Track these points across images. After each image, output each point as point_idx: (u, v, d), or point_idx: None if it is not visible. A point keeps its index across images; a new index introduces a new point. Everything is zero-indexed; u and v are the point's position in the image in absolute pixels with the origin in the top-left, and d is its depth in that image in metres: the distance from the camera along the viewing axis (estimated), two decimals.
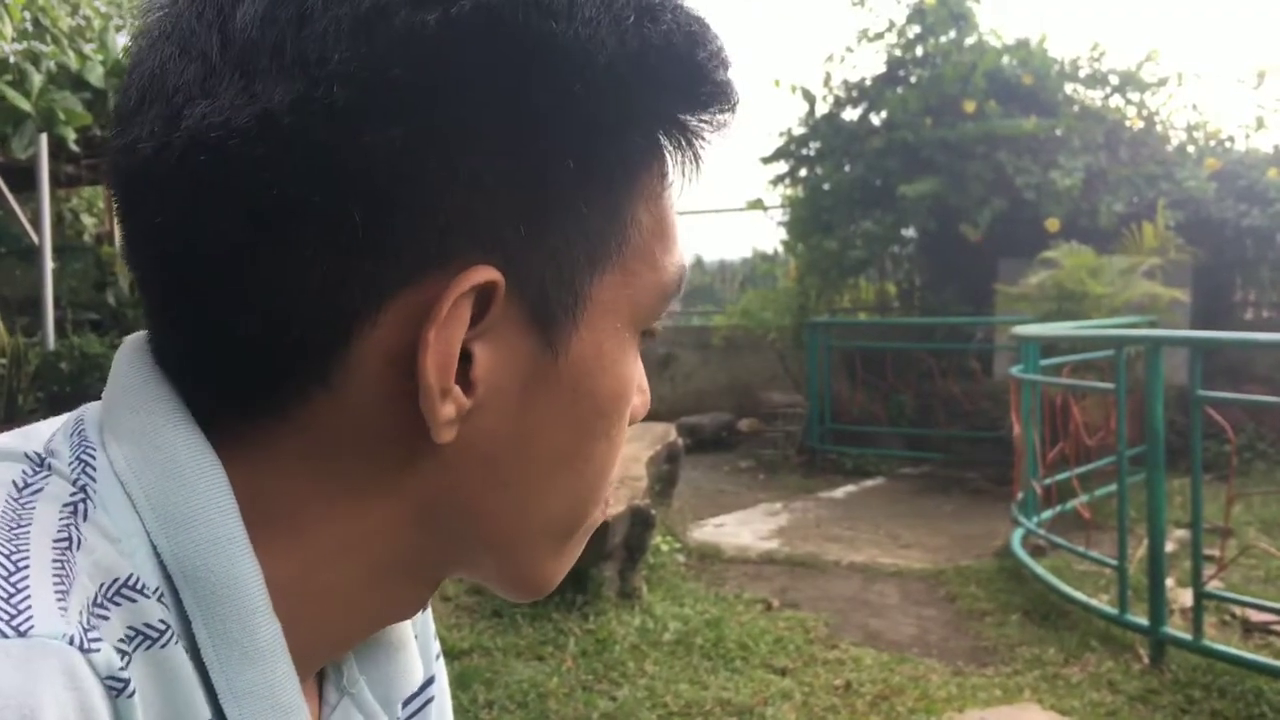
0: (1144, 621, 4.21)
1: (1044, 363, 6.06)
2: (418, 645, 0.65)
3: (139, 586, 0.45)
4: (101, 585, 0.44)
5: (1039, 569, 5.16)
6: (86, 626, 0.41)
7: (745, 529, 6.89)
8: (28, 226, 7.77)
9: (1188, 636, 4.03)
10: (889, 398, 9.41)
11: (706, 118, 0.53)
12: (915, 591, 5.39)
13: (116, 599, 0.44)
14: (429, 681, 0.70)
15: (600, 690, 3.86)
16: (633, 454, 5.97)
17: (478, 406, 0.49)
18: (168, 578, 0.46)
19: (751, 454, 9.54)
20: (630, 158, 0.50)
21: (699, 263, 15.10)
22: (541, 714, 3.62)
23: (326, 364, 0.47)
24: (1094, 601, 4.62)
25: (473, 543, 0.52)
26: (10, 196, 7.65)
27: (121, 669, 0.42)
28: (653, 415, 8.49)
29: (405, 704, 0.64)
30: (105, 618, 0.43)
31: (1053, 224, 8.53)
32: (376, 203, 0.45)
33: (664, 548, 5.48)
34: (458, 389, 0.47)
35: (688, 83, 0.50)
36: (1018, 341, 6.15)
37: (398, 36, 0.44)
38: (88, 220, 10.99)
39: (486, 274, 0.46)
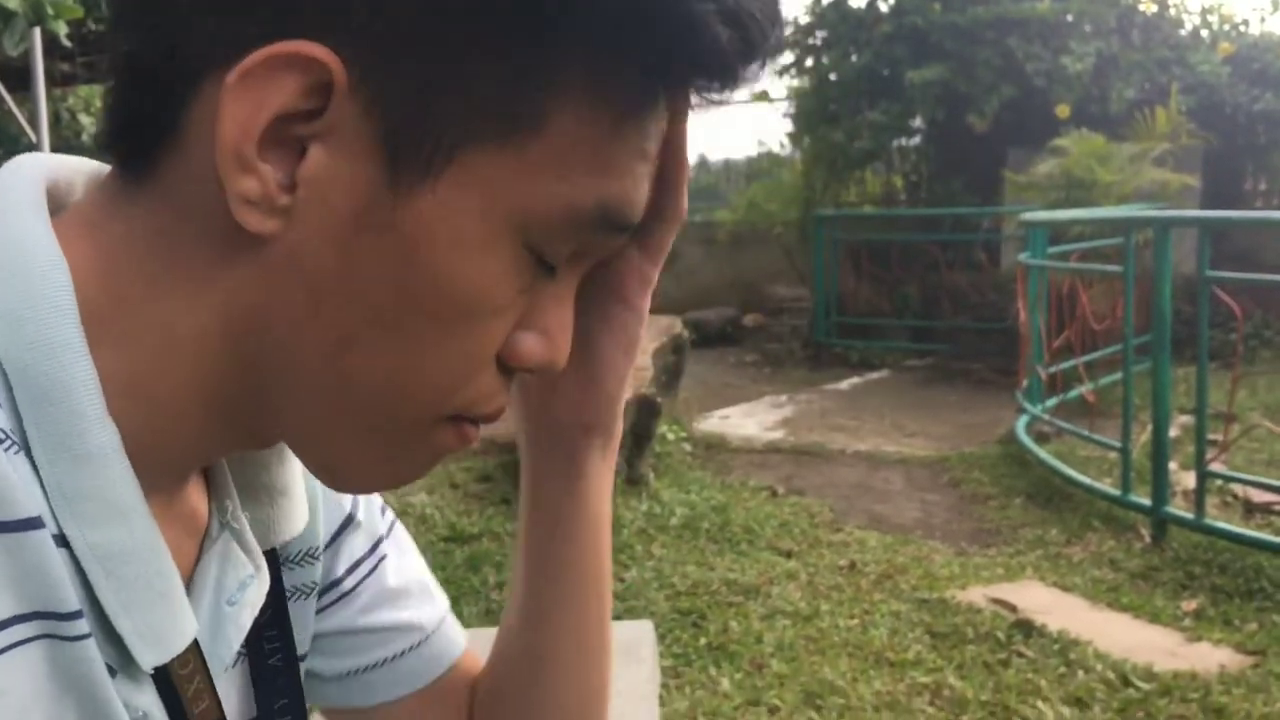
0: (1146, 502, 4.25)
1: (1052, 250, 6.02)
2: (318, 496, 0.65)
3: None
4: None
5: (1043, 454, 5.19)
6: None
7: (750, 420, 6.93)
8: (25, 126, 7.68)
9: (1189, 515, 4.07)
10: (895, 290, 9.39)
11: (697, 79, 0.50)
12: (919, 477, 5.44)
13: None
14: (378, 541, 0.71)
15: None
16: (639, 346, 5.97)
17: (299, 213, 0.46)
18: (4, 375, 0.45)
19: (757, 348, 9.56)
20: (562, 54, 0.47)
21: (703, 162, 14.94)
22: None
23: (176, 115, 0.47)
24: (1097, 484, 4.66)
25: (280, 391, 0.50)
26: (7, 96, 7.55)
27: None
28: (658, 310, 8.44)
29: (306, 553, 0.64)
30: None
31: (1063, 110, 8.40)
32: None
33: (670, 436, 5.52)
34: (268, 171, 0.45)
35: (669, 34, 0.46)
36: (1025, 229, 6.10)
37: None
38: (85, 120, 10.87)
39: (316, 50, 0.44)
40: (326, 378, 0.49)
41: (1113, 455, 4.90)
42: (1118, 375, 5.11)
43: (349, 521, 0.69)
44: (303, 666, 0.65)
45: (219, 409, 0.51)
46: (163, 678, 0.51)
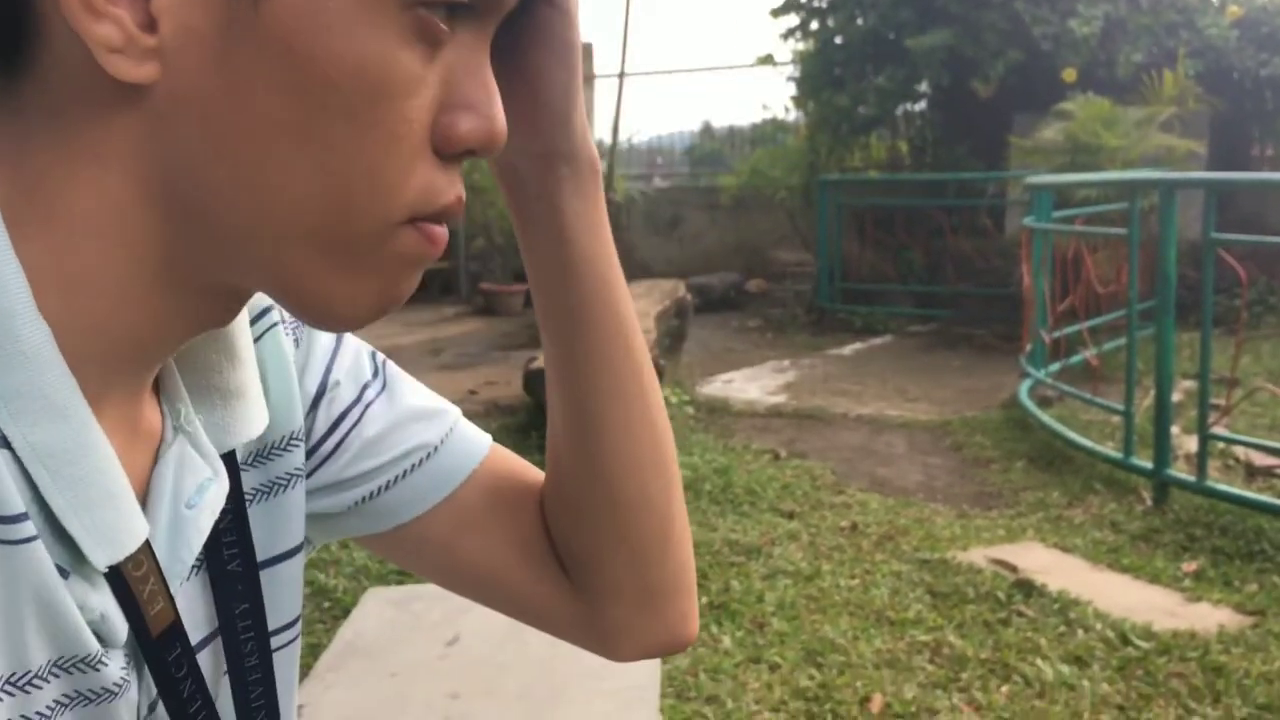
0: (1148, 465, 4.26)
1: (1056, 214, 6.00)
2: (284, 393, 0.63)
3: None
4: None
5: (1045, 417, 5.20)
6: None
7: (753, 385, 6.94)
8: None
9: (1191, 478, 4.08)
10: (899, 256, 9.37)
11: None
12: (921, 441, 5.45)
13: None
14: (364, 388, 0.68)
15: None
16: (641, 309, 5.98)
17: (168, 50, 0.45)
18: None
19: (760, 313, 9.55)
20: None
21: (707, 128, 14.86)
22: None
23: (28, 1, 0.46)
24: (1099, 447, 4.67)
25: (220, 236, 0.49)
26: None
27: None
28: (661, 275, 8.47)
29: (264, 454, 0.62)
30: None
31: (1069, 74, 8.35)
32: None
33: (673, 399, 5.53)
34: (121, 14, 0.44)
35: None
36: (1030, 193, 6.08)
37: None
38: None
39: None
40: (258, 206, 0.48)
41: (1115, 420, 4.91)
42: (1121, 341, 5.11)
43: (324, 390, 0.66)
44: (301, 553, 0.64)
45: (164, 281, 0.49)
46: (116, 579, 0.50)
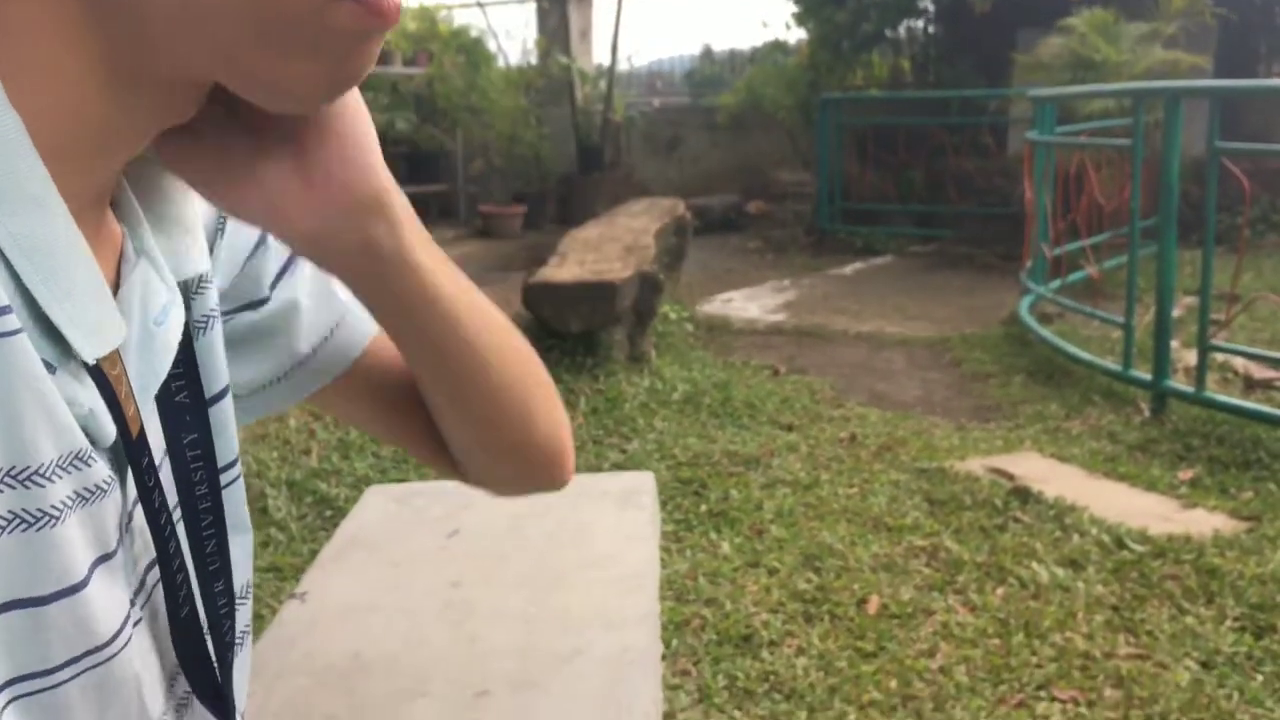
0: (1146, 376, 4.26)
1: (1060, 129, 5.94)
2: (225, 227, 0.66)
3: None
4: None
5: (1044, 332, 5.20)
6: None
7: (753, 304, 6.93)
8: None
9: (1189, 389, 4.08)
10: (900, 175, 9.29)
11: None
12: (921, 358, 5.45)
13: None
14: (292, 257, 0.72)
15: (611, 444, 3.95)
16: (640, 227, 5.95)
17: None
18: None
19: (760, 235, 9.50)
20: None
21: (707, 52, 14.65)
22: None
23: None
24: (1098, 360, 4.67)
25: (151, 27, 0.48)
26: None
27: None
28: (660, 195, 8.41)
29: (199, 280, 0.63)
30: None
31: None
32: None
33: (672, 316, 5.53)
34: None
35: None
36: (1034, 106, 6.01)
37: None
38: None
39: None
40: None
41: (1114, 336, 4.91)
42: (1122, 259, 5.09)
43: (261, 242, 0.70)
44: (229, 396, 0.66)
45: (116, 75, 0.49)
46: (98, 377, 0.50)
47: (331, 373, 0.74)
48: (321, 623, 1.52)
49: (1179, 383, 4.24)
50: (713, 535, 3.18)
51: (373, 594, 1.61)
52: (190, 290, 0.62)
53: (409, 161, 10.06)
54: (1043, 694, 2.36)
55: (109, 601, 0.51)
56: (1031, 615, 2.67)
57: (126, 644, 0.52)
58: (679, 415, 4.26)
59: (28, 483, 0.46)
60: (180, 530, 0.60)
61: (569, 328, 4.47)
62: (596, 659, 1.35)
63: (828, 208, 9.20)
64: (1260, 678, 2.39)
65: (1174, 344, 4.49)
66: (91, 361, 0.49)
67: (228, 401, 0.65)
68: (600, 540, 1.74)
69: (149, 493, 0.55)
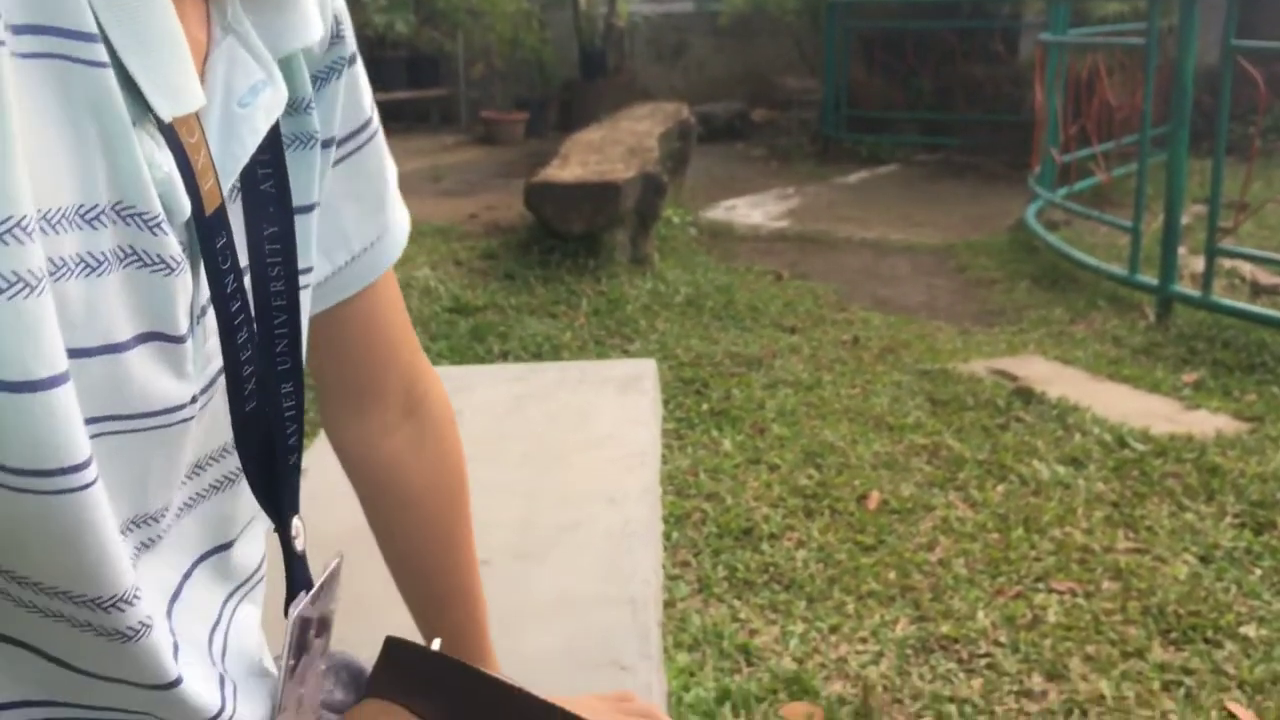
0: (1153, 281, 4.23)
1: (1073, 31, 5.82)
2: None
3: None
4: None
5: (1051, 238, 5.15)
6: None
7: (757, 210, 6.86)
8: None
9: (1195, 294, 4.05)
10: (908, 82, 9.13)
11: None
12: (925, 264, 5.42)
13: None
14: (366, 123, 0.69)
15: (612, 344, 3.94)
16: (645, 130, 5.86)
17: None
18: None
19: (765, 142, 9.38)
20: None
21: None
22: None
23: None
24: (1104, 264, 4.63)
25: None
26: None
27: None
28: (664, 102, 8.28)
29: (293, 107, 0.60)
30: None
31: None
32: None
33: (675, 220, 5.48)
34: None
35: None
36: (1048, 6, 5.89)
37: None
38: None
39: None
40: None
41: (1121, 243, 4.86)
42: (1132, 167, 5.02)
43: (350, 60, 0.66)
44: (315, 213, 0.63)
45: None
46: (174, 142, 0.49)
47: (346, 291, 0.71)
48: (320, 497, 1.51)
49: (1185, 287, 4.21)
50: (714, 433, 3.18)
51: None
52: (295, 97, 0.60)
53: (409, 65, 9.89)
54: (1040, 586, 2.37)
55: (155, 377, 0.49)
56: (1031, 511, 2.68)
57: (171, 427, 0.51)
58: (681, 317, 4.24)
59: (94, 223, 0.45)
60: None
61: (571, 229, 4.43)
62: (598, 532, 1.35)
63: (834, 115, 9.06)
64: (1259, 571, 2.40)
65: (1181, 251, 4.45)
66: (168, 119, 0.48)
67: (313, 217, 0.63)
68: (602, 422, 1.73)
69: (221, 276, 0.53)
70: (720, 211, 6.71)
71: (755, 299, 4.52)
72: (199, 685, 0.56)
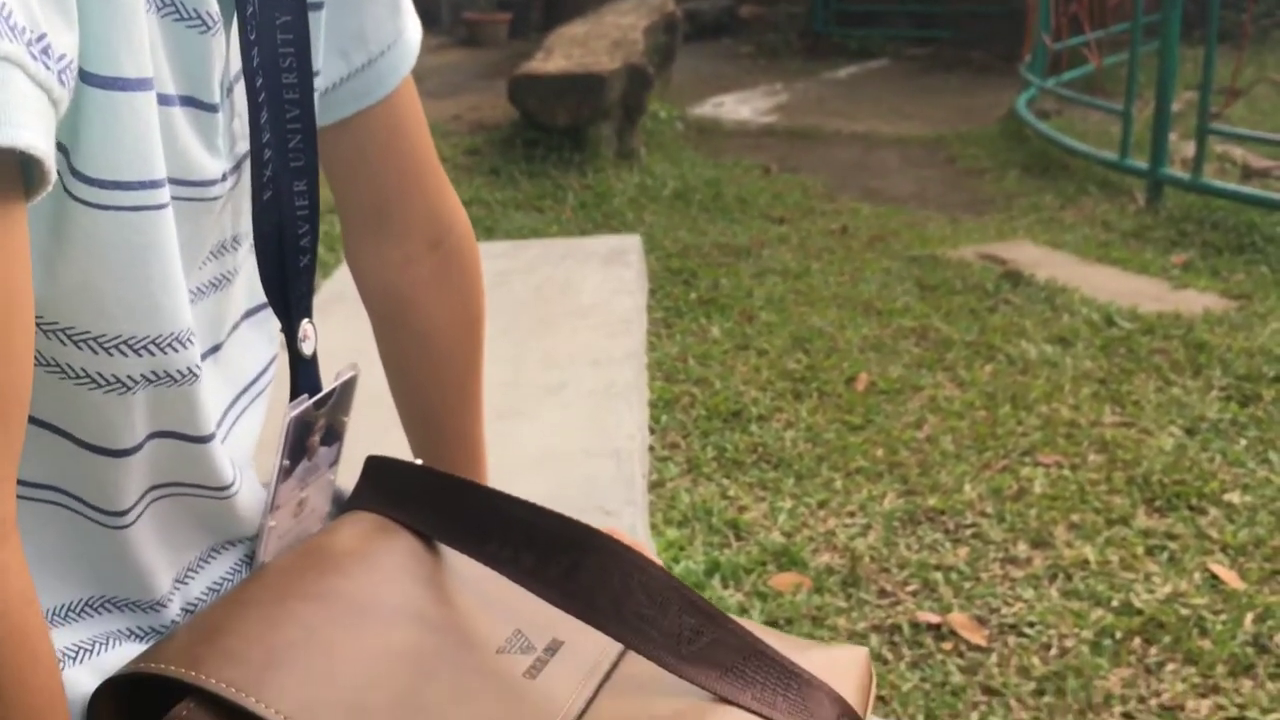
0: (1143, 165, 4.20)
1: None
2: None
3: None
4: None
5: (1042, 126, 5.10)
6: None
7: (745, 106, 6.78)
8: None
9: (1186, 176, 4.03)
10: None
11: None
12: (915, 155, 5.37)
13: None
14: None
15: (599, 237, 3.91)
16: (630, 23, 5.75)
17: None
18: None
19: (752, 39, 9.23)
20: None
21: None
22: None
23: None
24: (1094, 150, 4.60)
25: None
26: None
27: None
28: None
29: None
30: None
31: None
32: None
33: (662, 115, 5.41)
34: None
35: None
36: None
37: None
38: None
39: None
40: None
41: (1112, 131, 4.81)
42: (1123, 56, 4.95)
43: None
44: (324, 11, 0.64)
45: None
46: None
47: (366, 99, 0.70)
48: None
49: (1176, 171, 4.18)
50: (702, 321, 3.17)
51: (359, 345, 1.60)
52: None
53: None
54: (1027, 459, 2.39)
55: (190, 144, 0.51)
56: (1019, 389, 2.69)
57: (200, 202, 0.53)
58: (669, 210, 4.21)
59: None
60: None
61: (555, 121, 4.37)
62: (583, 391, 1.35)
63: (822, 10, 8.91)
64: (1244, 441, 2.42)
65: (1172, 137, 4.41)
66: None
67: (321, 16, 0.63)
68: (586, 293, 1.72)
69: (249, 47, 0.53)
70: (708, 108, 6.62)
71: (743, 192, 4.49)
72: (219, 450, 0.57)
